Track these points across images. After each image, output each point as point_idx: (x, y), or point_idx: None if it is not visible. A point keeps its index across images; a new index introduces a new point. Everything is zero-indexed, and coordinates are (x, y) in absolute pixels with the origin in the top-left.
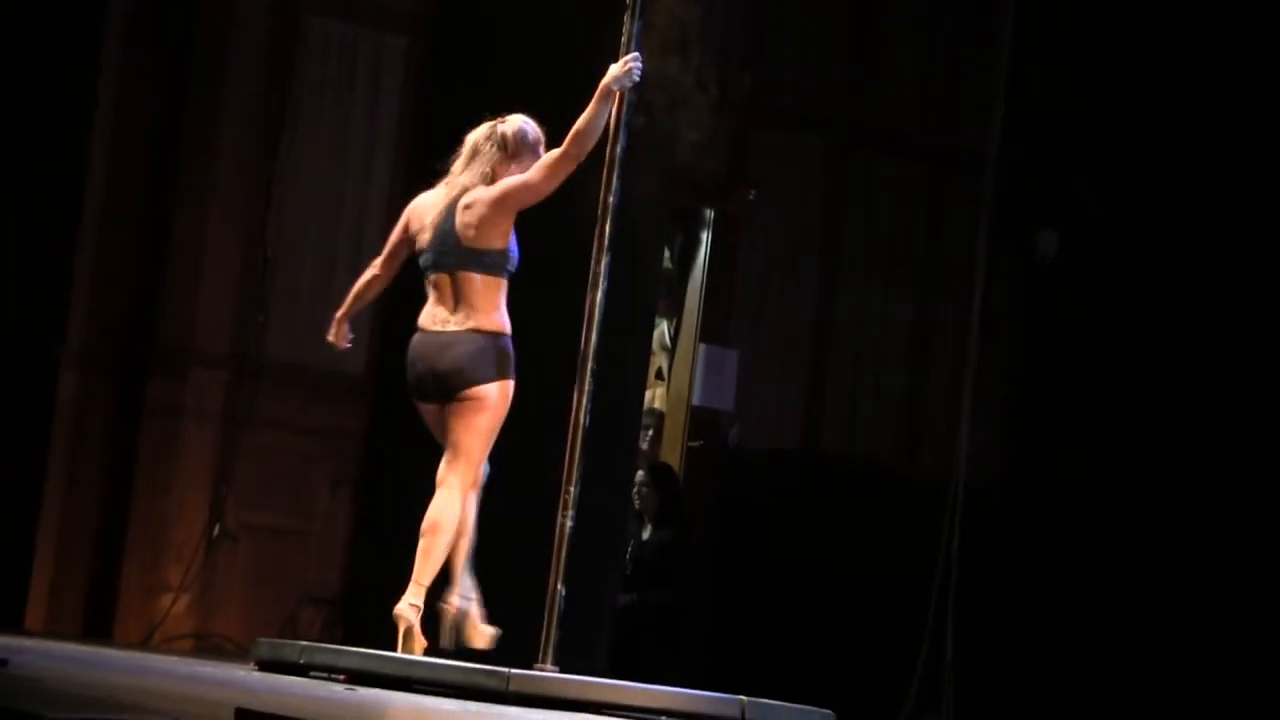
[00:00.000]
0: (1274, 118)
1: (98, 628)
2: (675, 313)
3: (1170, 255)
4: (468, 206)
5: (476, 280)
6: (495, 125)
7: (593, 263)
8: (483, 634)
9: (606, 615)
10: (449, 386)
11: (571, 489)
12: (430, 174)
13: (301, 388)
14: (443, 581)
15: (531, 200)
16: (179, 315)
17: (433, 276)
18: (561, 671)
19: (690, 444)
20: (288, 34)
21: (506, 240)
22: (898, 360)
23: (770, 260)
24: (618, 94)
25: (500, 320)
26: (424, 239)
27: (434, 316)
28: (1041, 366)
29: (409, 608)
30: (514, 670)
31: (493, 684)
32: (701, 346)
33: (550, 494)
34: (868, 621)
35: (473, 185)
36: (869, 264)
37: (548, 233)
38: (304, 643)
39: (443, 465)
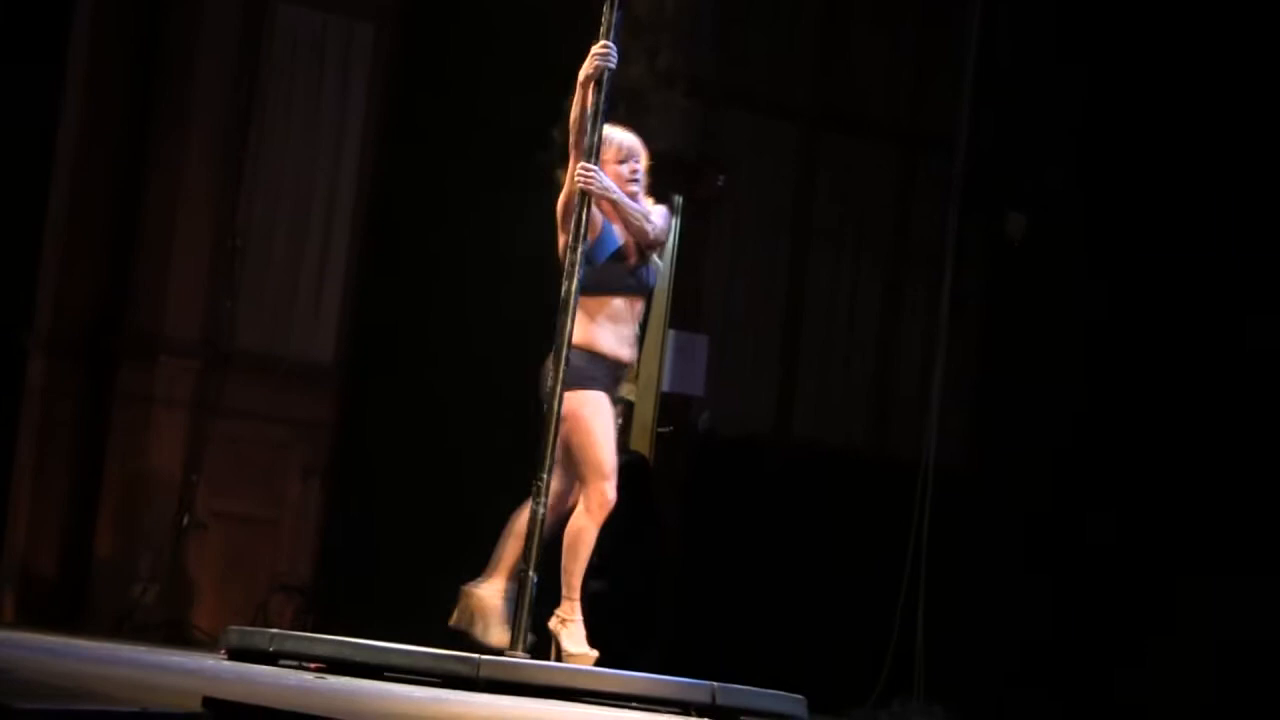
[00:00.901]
0: (1242, 98)
1: (68, 617)
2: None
3: (1138, 235)
4: None
5: None
6: None
7: (569, 251)
8: (502, 633)
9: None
10: None
11: (544, 476)
12: (399, 166)
13: (271, 376)
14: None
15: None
16: (148, 303)
17: None
18: (532, 658)
19: (660, 430)
20: (256, 22)
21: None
22: (868, 343)
23: (739, 245)
24: (594, 82)
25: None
26: None
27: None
28: (1011, 348)
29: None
30: (484, 657)
31: (463, 670)
32: (671, 332)
33: (521, 482)
34: (839, 605)
35: None
36: (838, 247)
37: (520, 226)
38: (274, 631)
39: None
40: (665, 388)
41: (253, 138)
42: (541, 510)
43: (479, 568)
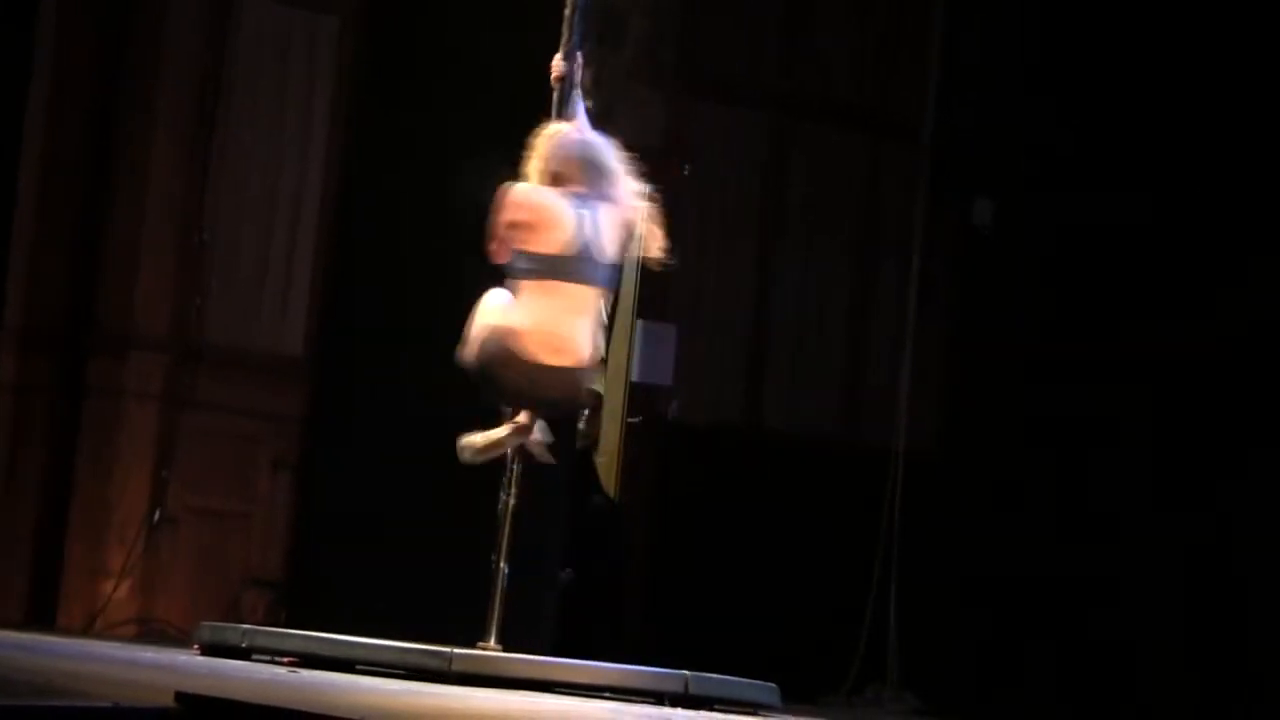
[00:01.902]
0: (1217, 83)
1: (40, 614)
2: (612, 289)
3: (1108, 222)
4: None
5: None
6: None
7: None
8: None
9: (550, 593)
10: None
11: (514, 467)
12: (366, 158)
13: (241, 370)
14: None
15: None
16: (117, 298)
17: None
18: (505, 650)
19: (630, 420)
20: (221, 16)
21: None
22: (837, 331)
23: (707, 234)
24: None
25: None
26: None
27: None
28: (980, 334)
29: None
30: (456, 650)
31: (435, 664)
32: (639, 322)
33: (491, 473)
34: (811, 593)
35: None
36: (806, 235)
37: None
38: (246, 626)
39: None
40: (634, 377)
41: (219, 132)
42: (513, 502)
43: (451, 559)
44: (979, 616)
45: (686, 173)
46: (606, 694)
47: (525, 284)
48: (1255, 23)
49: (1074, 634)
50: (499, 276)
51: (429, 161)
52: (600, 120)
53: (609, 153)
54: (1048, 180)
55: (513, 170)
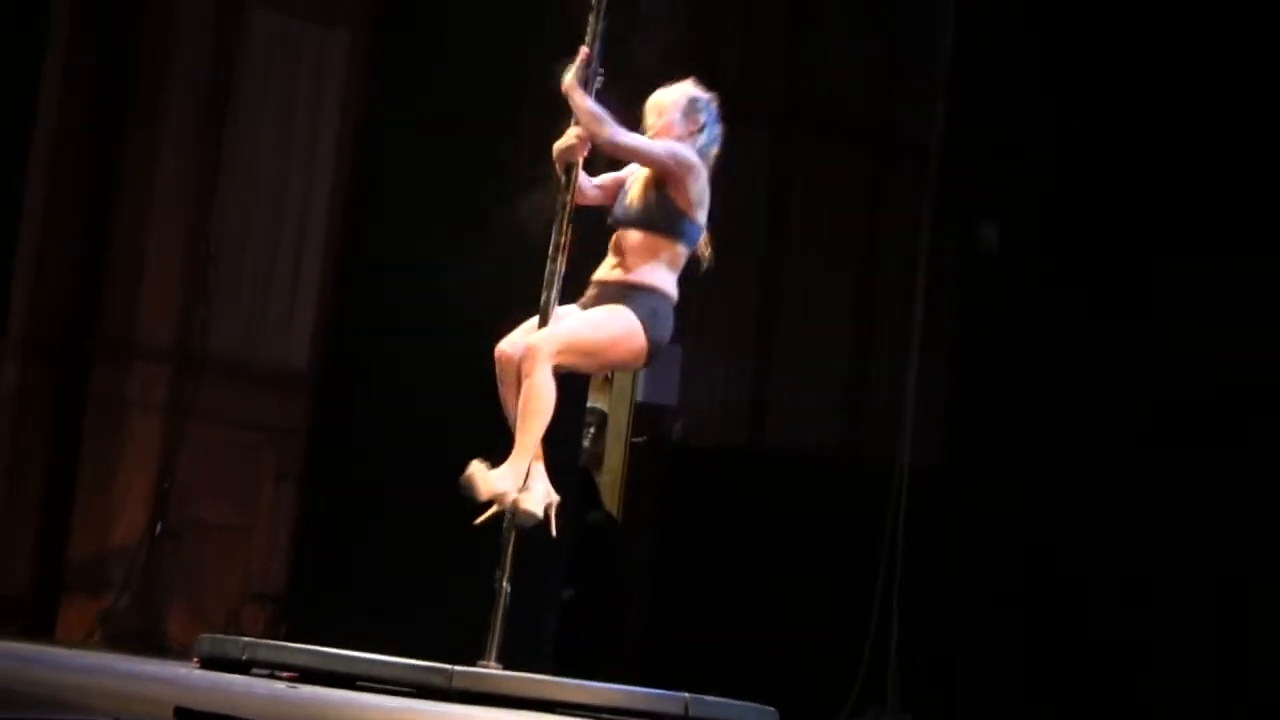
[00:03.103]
0: (1220, 103)
1: (40, 624)
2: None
3: (1114, 244)
4: None
5: None
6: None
7: (549, 261)
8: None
9: (551, 612)
10: None
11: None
12: (374, 172)
13: (245, 381)
14: None
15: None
16: (122, 306)
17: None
18: (505, 669)
19: (634, 439)
20: (231, 28)
21: None
22: (842, 349)
23: (713, 252)
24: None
25: None
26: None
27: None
28: (984, 355)
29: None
30: (457, 668)
31: (436, 681)
32: None
33: None
34: (812, 614)
35: None
36: (812, 253)
37: (495, 233)
38: (246, 639)
39: None
40: (639, 397)
41: (228, 143)
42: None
43: (454, 576)
44: (981, 638)
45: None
46: (605, 714)
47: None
48: (1264, 44)
49: (1078, 654)
50: (502, 292)
51: (437, 175)
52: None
53: None
54: (1054, 200)
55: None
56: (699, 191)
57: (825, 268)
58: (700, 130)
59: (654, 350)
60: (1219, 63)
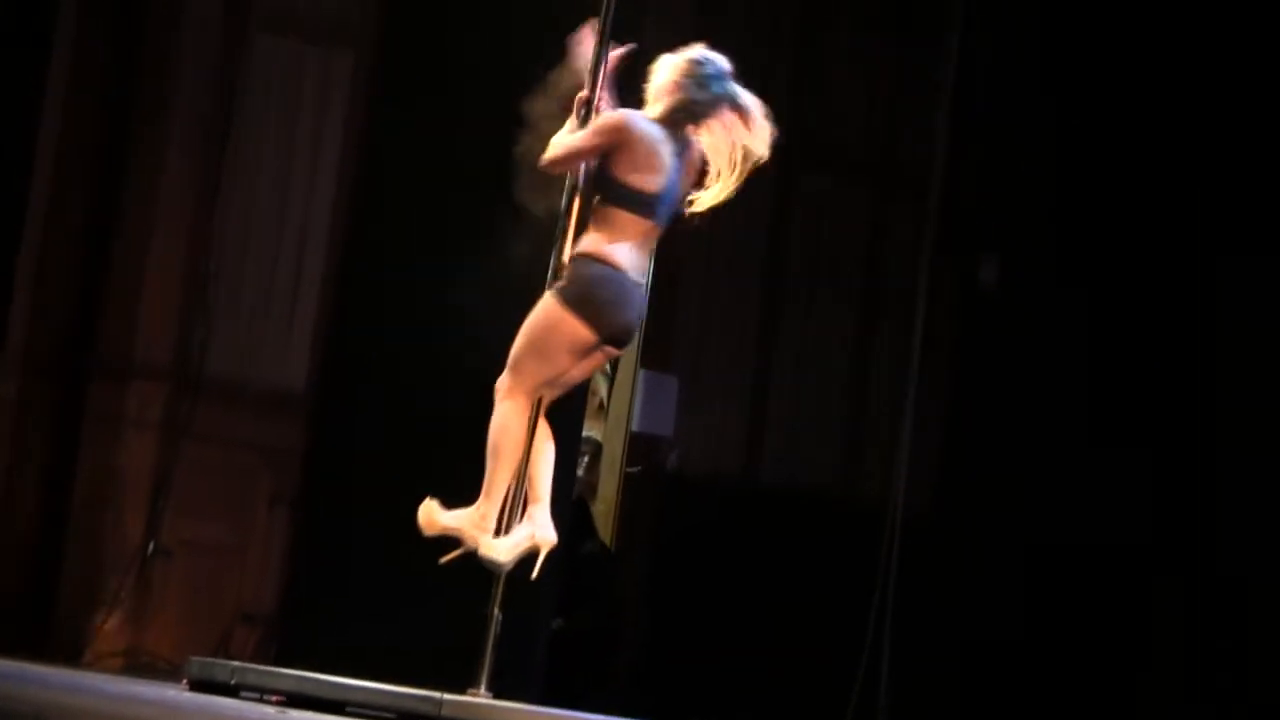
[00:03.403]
0: (1219, 142)
1: (30, 641)
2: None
3: (1113, 280)
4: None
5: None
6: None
7: (549, 274)
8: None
9: (542, 641)
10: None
11: (511, 514)
12: (374, 194)
13: (242, 402)
14: None
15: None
16: (121, 324)
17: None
18: (496, 697)
19: (628, 469)
20: (235, 48)
21: None
22: (838, 385)
23: (711, 284)
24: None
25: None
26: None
27: (637, 265)
28: (982, 392)
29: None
30: (447, 696)
31: (425, 709)
32: (642, 372)
33: None
34: (805, 648)
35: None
36: (811, 287)
37: (496, 255)
38: (235, 663)
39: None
40: (635, 427)
41: (229, 163)
42: None
43: (446, 603)
44: (971, 677)
45: (696, 222)
46: None
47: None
48: (1261, 89)
49: (1071, 690)
50: (504, 313)
51: (438, 198)
52: None
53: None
54: (1054, 241)
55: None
56: (628, 156)
57: (824, 300)
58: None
59: (596, 319)
60: (1220, 106)
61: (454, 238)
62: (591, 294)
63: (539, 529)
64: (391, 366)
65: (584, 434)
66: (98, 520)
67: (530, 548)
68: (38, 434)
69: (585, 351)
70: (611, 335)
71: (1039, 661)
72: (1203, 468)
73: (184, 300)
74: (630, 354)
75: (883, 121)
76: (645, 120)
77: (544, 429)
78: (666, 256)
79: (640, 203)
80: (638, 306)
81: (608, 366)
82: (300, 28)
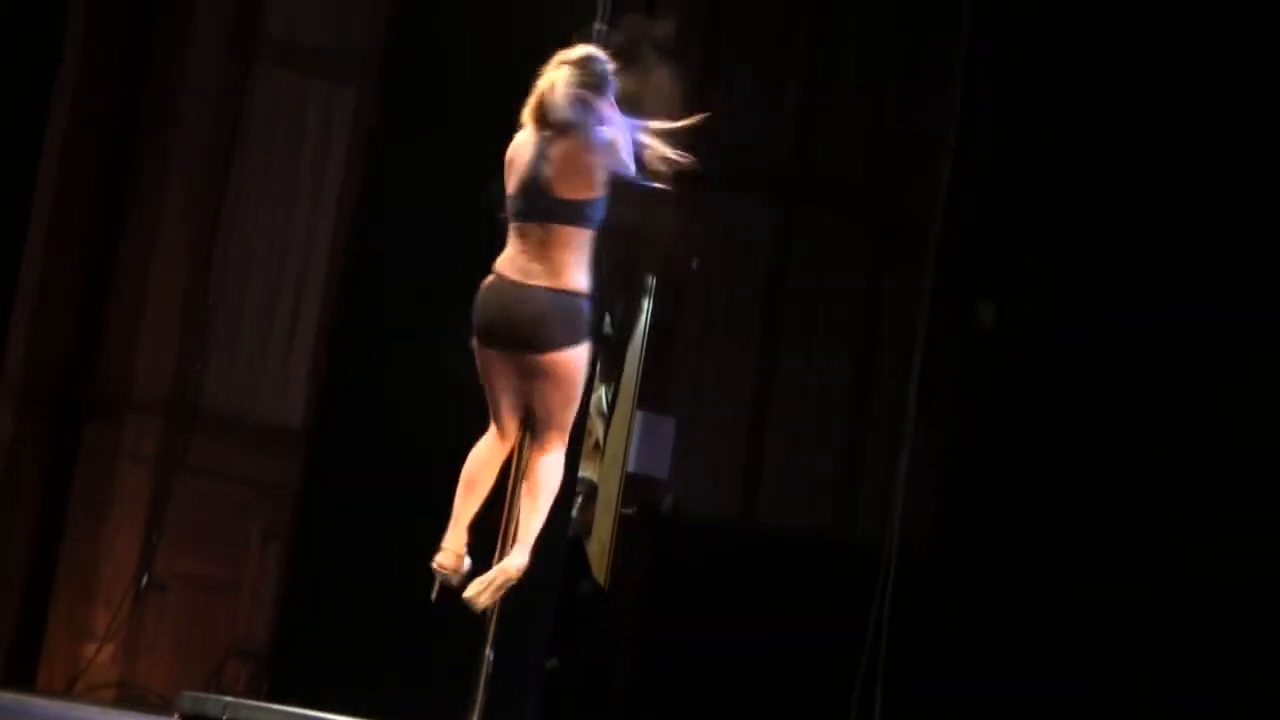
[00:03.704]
0: (1219, 190)
1: (20, 672)
2: (614, 378)
3: (1112, 329)
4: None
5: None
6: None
7: None
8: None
9: (536, 680)
10: (534, 343)
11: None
12: (375, 232)
13: (238, 437)
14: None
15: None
16: (119, 359)
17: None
18: None
19: (624, 510)
20: (238, 82)
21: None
22: (835, 428)
23: (709, 325)
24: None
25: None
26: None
27: (521, 269)
28: (979, 437)
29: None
30: None
31: None
32: (639, 413)
33: (484, 554)
34: (797, 691)
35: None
36: (809, 329)
37: None
38: (227, 698)
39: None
40: (631, 468)
41: (230, 198)
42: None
43: (438, 641)
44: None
45: (696, 266)
46: None
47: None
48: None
49: None
50: None
51: (438, 237)
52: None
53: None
54: (1053, 286)
55: None
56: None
57: (821, 342)
58: None
59: (475, 326)
60: (1222, 154)
61: (454, 274)
62: (474, 307)
63: (508, 560)
64: (389, 404)
65: (579, 474)
66: (91, 552)
67: (503, 580)
68: (33, 465)
69: (492, 363)
70: (485, 336)
71: (1034, 706)
72: (1202, 514)
73: (182, 334)
74: (627, 394)
75: (884, 164)
76: (521, 134)
77: (533, 468)
78: (664, 297)
79: (509, 207)
80: (514, 306)
81: (604, 407)
82: (304, 61)
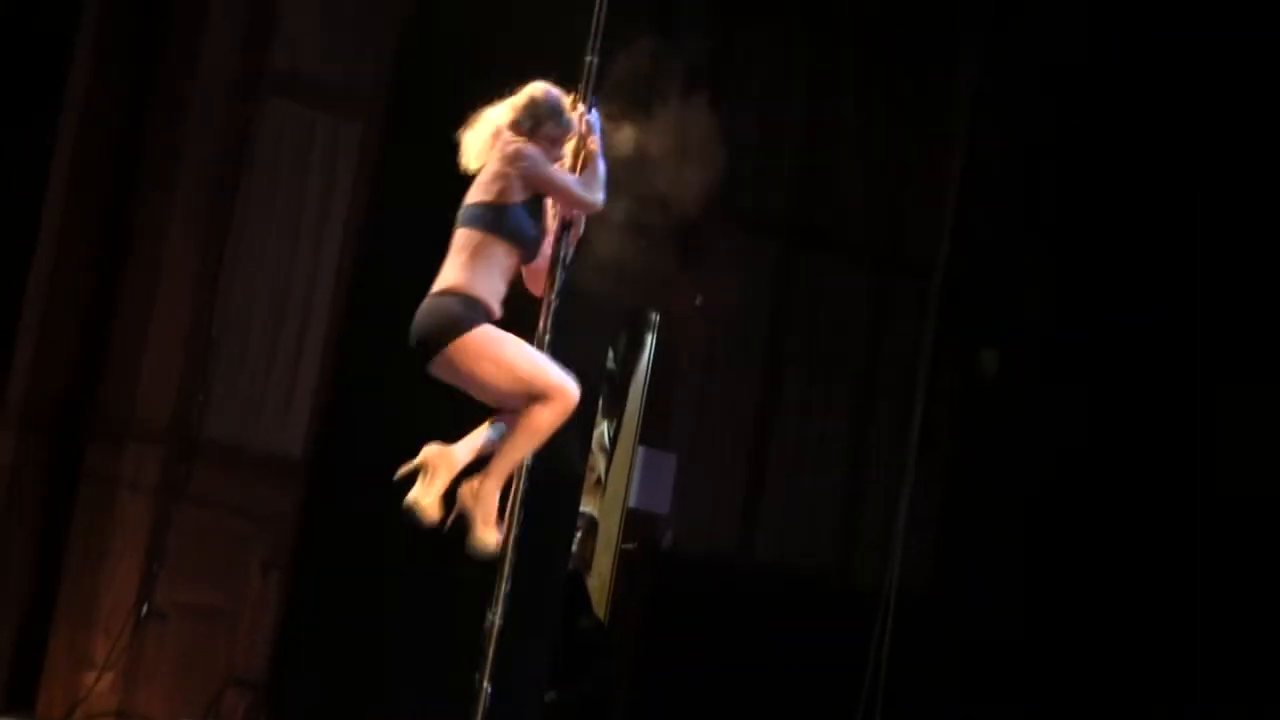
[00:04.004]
0: (1222, 238)
1: (19, 700)
2: (616, 414)
3: (1112, 379)
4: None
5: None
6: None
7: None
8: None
9: (534, 714)
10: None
11: (503, 587)
12: (378, 265)
13: (239, 468)
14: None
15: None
16: (121, 386)
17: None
18: None
19: (624, 545)
20: (244, 113)
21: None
22: (836, 468)
23: (712, 364)
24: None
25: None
26: None
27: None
28: (978, 481)
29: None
30: None
31: None
32: (640, 449)
33: (481, 589)
34: None
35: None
36: (811, 371)
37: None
38: None
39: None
40: (632, 503)
41: (235, 228)
42: (499, 622)
43: (436, 674)
44: None
45: (699, 303)
46: None
47: None
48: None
49: None
50: None
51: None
52: (615, 245)
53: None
54: (1054, 334)
55: None
56: None
57: (823, 384)
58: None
59: None
60: (1223, 204)
61: None
62: None
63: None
64: (389, 436)
65: (580, 509)
66: (91, 581)
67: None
68: (35, 493)
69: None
70: None
71: None
72: (1203, 560)
73: (184, 364)
74: (629, 430)
75: (887, 211)
76: None
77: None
78: (668, 336)
79: None
80: (417, 315)
81: (606, 442)
82: (309, 94)
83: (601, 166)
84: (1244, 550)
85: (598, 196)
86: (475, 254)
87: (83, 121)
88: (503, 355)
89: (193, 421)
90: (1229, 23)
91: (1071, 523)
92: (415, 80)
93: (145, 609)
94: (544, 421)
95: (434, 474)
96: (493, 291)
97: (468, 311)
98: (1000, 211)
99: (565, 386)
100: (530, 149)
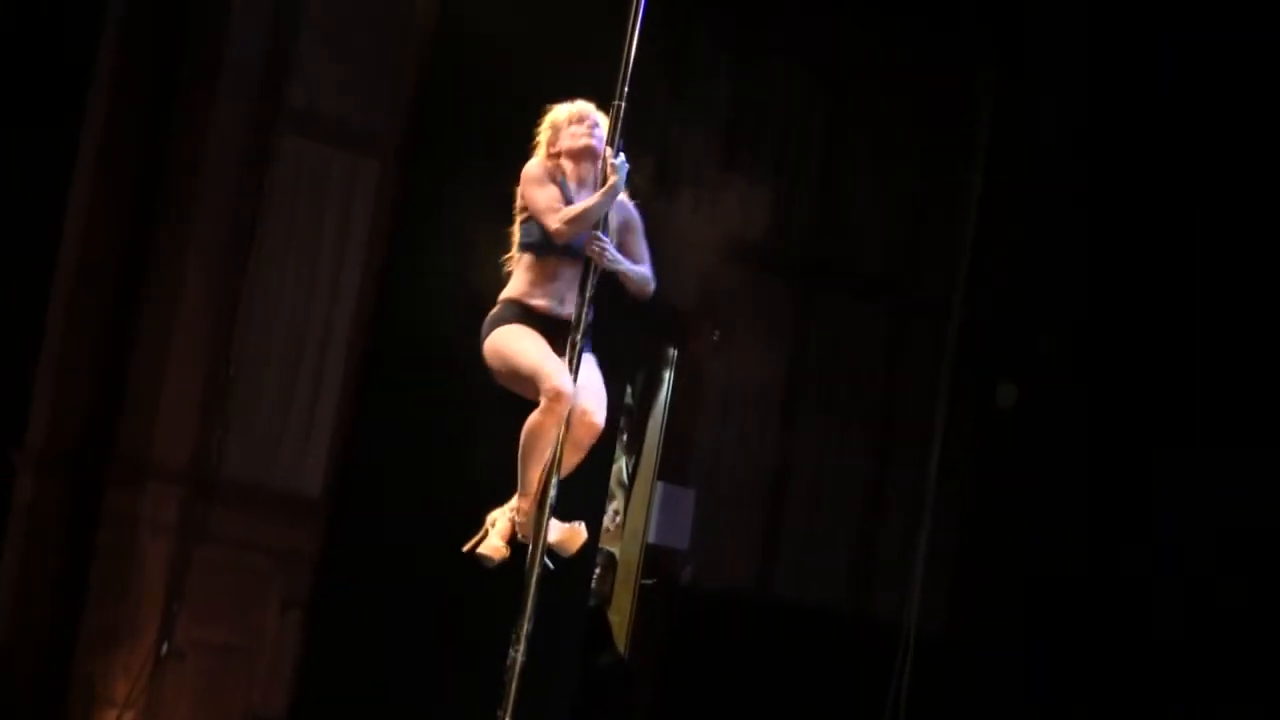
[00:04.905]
0: (1237, 275)
1: None
2: (635, 450)
3: (1131, 413)
4: None
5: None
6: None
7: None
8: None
9: None
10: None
11: (525, 624)
12: (396, 303)
13: (257, 506)
14: None
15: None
16: (139, 426)
17: None
18: None
19: (643, 581)
20: (261, 151)
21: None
22: (854, 505)
23: (731, 400)
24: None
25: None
26: None
27: None
28: (997, 518)
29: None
30: None
31: None
32: (660, 485)
33: (503, 628)
34: None
35: None
36: (829, 407)
37: None
38: None
39: None
40: (651, 539)
41: (252, 266)
42: (521, 658)
43: (455, 712)
44: None
45: (717, 338)
46: None
47: None
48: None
49: None
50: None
51: (458, 309)
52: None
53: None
54: (1072, 368)
55: None
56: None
57: (841, 422)
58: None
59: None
60: (1237, 245)
61: (475, 346)
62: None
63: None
64: (407, 475)
65: (599, 546)
66: (111, 619)
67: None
68: (54, 532)
69: None
70: None
71: None
72: (1224, 591)
73: (203, 403)
74: (648, 466)
75: (904, 247)
76: None
77: None
78: (688, 371)
79: None
80: None
81: (625, 478)
82: (327, 131)
83: (594, 202)
84: (1264, 580)
85: (553, 224)
86: (517, 265)
87: (100, 160)
88: (507, 352)
89: (211, 460)
90: (1247, 80)
91: (1090, 557)
92: (433, 119)
93: (165, 648)
94: (534, 423)
95: (495, 523)
96: (526, 292)
97: (501, 312)
98: (1016, 246)
99: (558, 388)
100: (529, 167)
